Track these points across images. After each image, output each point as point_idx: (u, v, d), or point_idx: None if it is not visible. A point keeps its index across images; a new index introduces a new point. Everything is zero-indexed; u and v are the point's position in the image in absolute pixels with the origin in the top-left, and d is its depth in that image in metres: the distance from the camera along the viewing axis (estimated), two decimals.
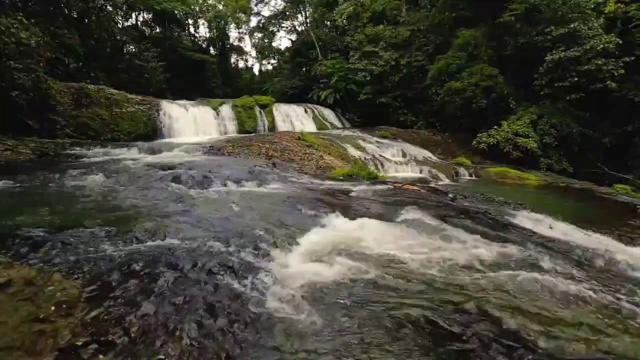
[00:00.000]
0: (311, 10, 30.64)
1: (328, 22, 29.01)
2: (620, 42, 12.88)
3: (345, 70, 22.06)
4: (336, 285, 2.72)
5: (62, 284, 2.37)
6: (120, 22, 22.97)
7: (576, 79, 13.29)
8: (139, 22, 26.17)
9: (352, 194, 6.21)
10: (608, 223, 6.03)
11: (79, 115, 11.75)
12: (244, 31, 38.58)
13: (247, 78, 39.06)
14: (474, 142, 14.71)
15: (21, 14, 9.91)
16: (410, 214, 4.74)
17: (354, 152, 12.55)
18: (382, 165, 11.80)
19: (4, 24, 8.72)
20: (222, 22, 33.90)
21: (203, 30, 35.92)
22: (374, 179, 8.45)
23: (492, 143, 14.05)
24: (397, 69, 19.91)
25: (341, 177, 8.14)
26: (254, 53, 41.26)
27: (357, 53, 21.69)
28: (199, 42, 33.17)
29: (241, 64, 41.70)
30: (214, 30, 33.89)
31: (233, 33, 37.61)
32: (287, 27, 35.21)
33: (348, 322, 2.25)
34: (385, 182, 7.96)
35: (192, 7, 29.12)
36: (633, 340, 2.24)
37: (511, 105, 15.24)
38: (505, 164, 13.27)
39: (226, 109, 16.45)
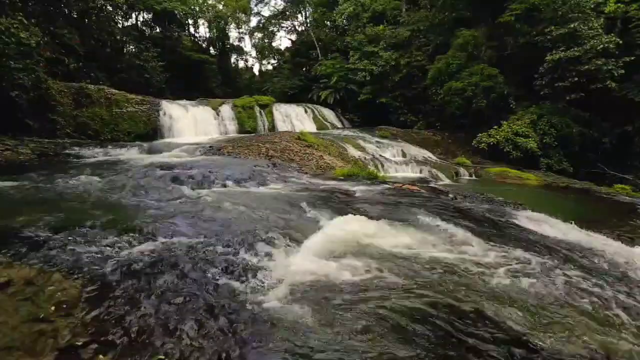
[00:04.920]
0: (311, 10, 30.67)
1: (328, 22, 29.02)
2: (620, 42, 12.87)
3: (345, 70, 22.05)
4: (336, 284, 2.72)
5: (62, 284, 2.37)
6: (120, 22, 22.94)
7: (576, 79, 13.28)
8: (139, 22, 26.15)
9: (352, 194, 6.21)
10: (608, 223, 6.03)
11: (79, 115, 11.75)
12: (244, 31, 38.66)
13: (247, 78, 39.05)
14: (474, 142, 14.70)
15: (21, 14, 9.91)
16: (411, 214, 4.74)
17: (354, 152, 12.55)
18: (382, 165, 11.80)
19: (4, 24, 8.72)
20: (222, 22, 33.90)
21: (203, 30, 35.96)
22: (374, 179, 8.44)
23: (492, 143, 14.05)
24: (397, 69, 19.91)
25: (341, 177, 8.13)
26: (254, 53, 41.35)
27: (357, 53, 21.69)
28: (199, 42, 33.15)
29: (241, 64, 41.75)
30: (214, 30, 33.88)
31: (233, 33, 37.67)
32: (287, 27, 35.30)
33: (348, 321, 2.25)
34: (385, 182, 7.95)
35: (192, 7, 29.11)
36: (632, 341, 2.24)
37: (511, 105, 15.24)
38: (505, 164, 13.26)
39: (226, 109, 16.45)
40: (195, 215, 4.25)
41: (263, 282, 2.68)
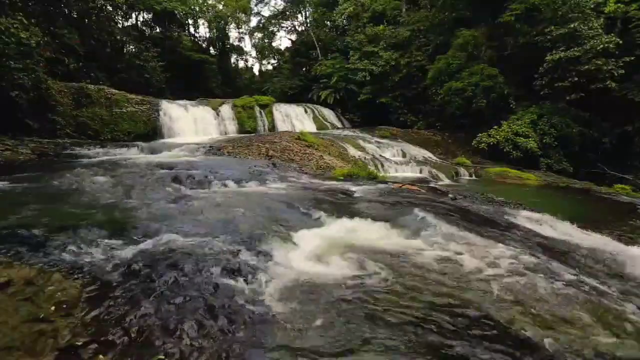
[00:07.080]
0: (311, 10, 30.70)
1: (328, 22, 29.04)
2: (620, 42, 12.87)
3: (345, 70, 22.06)
4: (336, 284, 2.72)
5: (62, 284, 2.37)
6: (120, 22, 22.96)
7: (576, 79, 13.28)
8: (139, 22, 26.16)
9: (352, 194, 6.20)
10: (608, 223, 6.02)
11: (79, 115, 11.76)
12: (244, 31, 38.69)
13: (247, 78, 39.05)
14: (474, 142, 14.71)
15: (21, 14, 9.92)
16: (410, 214, 4.74)
17: (354, 152, 12.55)
18: (382, 165, 11.80)
19: (4, 24, 8.72)
20: (222, 22, 33.91)
21: (203, 30, 36.03)
22: (374, 179, 8.45)
23: (492, 143, 14.05)
24: (397, 69, 19.91)
25: (341, 177, 8.13)
26: (254, 53, 41.39)
27: (357, 53, 21.70)
28: (199, 42, 33.16)
29: (241, 64, 41.77)
30: (214, 30, 33.90)
31: (233, 33, 37.70)
32: (287, 27, 35.31)
33: (348, 321, 2.25)
34: (385, 182, 7.96)
35: (192, 7, 29.11)
36: (632, 341, 2.24)
37: (511, 105, 15.25)
38: (505, 164, 13.26)
39: (226, 109, 16.45)
40: (195, 215, 4.25)
41: (263, 282, 2.68)
